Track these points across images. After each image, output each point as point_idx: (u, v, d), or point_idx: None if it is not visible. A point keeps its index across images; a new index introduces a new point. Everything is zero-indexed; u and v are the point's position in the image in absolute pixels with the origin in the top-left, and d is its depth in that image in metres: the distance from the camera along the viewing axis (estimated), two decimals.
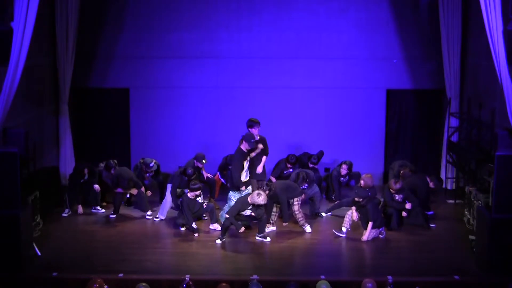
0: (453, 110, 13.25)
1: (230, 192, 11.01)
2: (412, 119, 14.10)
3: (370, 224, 10.42)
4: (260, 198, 10.15)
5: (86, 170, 11.75)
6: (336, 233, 10.65)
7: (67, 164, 13.35)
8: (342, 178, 12.54)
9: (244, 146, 10.75)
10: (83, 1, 13.04)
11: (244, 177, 10.86)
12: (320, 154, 12.89)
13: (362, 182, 11.17)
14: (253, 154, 11.04)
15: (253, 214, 10.35)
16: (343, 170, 12.45)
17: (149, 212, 11.70)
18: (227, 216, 10.33)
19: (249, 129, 11.01)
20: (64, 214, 11.73)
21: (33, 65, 11.19)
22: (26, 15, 9.19)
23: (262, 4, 13.65)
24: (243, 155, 10.81)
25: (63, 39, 12.90)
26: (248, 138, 10.71)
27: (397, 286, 8.62)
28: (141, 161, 12.25)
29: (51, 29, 12.90)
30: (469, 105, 12.95)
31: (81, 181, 11.77)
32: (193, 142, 12.11)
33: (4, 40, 9.13)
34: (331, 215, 11.80)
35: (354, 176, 12.58)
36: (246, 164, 10.84)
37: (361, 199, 10.47)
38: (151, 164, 12.07)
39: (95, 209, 11.91)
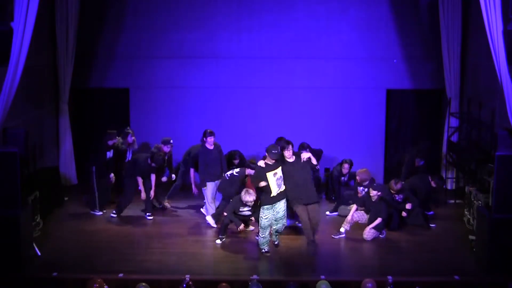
0: (453, 110, 13.25)
1: (263, 206, 9.99)
2: (412, 119, 14.11)
3: (378, 220, 10.42)
4: (248, 196, 9.93)
5: (116, 140, 11.71)
6: (335, 237, 10.62)
7: (67, 164, 13.37)
8: (343, 178, 12.49)
9: (268, 160, 9.82)
10: (83, 1, 13.06)
11: (277, 189, 9.81)
12: (319, 152, 12.79)
13: (358, 177, 11.13)
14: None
15: (252, 218, 10.30)
16: (345, 169, 12.38)
17: (149, 213, 11.70)
18: (225, 213, 10.31)
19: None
20: (98, 213, 11.72)
21: (33, 65, 11.19)
22: (26, 15, 9.18)
23: (263, 5, 13.66)
24: (267, 167, 9.81)
25: (63, 39, 12.92)
26: (269, 150, 9.84)
27: (397, 286, 8.62)
28: (157, 145, 12.03)
29: (51, 29, 12.91)
30: (469, 105, 12.95)
31: (107, 157, 11.65)
32: (193, 142, 12.09)
33: (4, 40, 9.13)
34: (336, 215, 11.76)
35: (353, 175, 12.55)
36: (273, 176, 9.73)
37: (379, 192, 10.48)
38: (171, 141, 11.91)
39: (93, 211, 11.85)
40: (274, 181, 9.70)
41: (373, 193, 10.57)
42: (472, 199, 10.94)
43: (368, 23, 13.66)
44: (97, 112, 13.97)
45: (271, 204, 9.78)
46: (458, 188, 12.80)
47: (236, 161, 11.98)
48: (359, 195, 11.33)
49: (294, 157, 9.82)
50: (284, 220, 9.95)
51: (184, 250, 10.10)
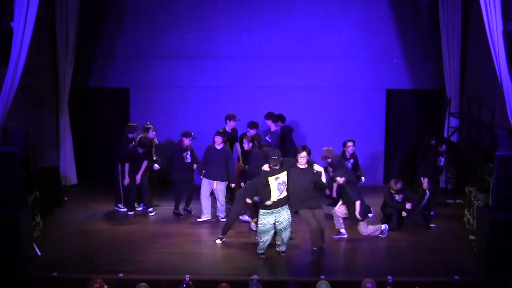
0: (453, 110, 13.25)
1: (260, 210, 9.82)
2: (412, 119, 14.12)
3: (357, 203, 10.27)
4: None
5: (136, 133, 11.62)
6: (335, 237, 10.60)
7: (67, 164, 13.38)
8: (347, 163, 11.67)
9: (267, 166, 9.57)
10: (83, 1, 13.06)
11: (277, 194, 9.45)
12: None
13: (321, 155, 11.05)
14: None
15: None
16: (349, 147, 11.69)
17: (150, 209, 11.71)
18: (249, 201, 10.01)
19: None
20: (122, 209, 11.77)
21: (33, 65, 11.18)
22: (26, 15, 9.19)
23: (262, 5, 13.67)
24: (271, 171, 9.53)
25: (63, 39, 12.93)
26: (269, 155, 9.58)
27: (397, 286, 8.62)
28: (180, 140, 11.76)
29: (51, 29, 12.91)
30: (469, 105, 12.95)
31: (130, 150, 11.52)
32: (193, 142, 12.10)
33: (4, 40, 9.13)
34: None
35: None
36: (275, 181, 9.44)
37: (342, 178, 10.35)
38: (192, 134, 11.62)
39: (116, 206, 11.83)
40: (276, 185, 9.43)
41: (339, 180, 10.46)
42: (472, 199, 10.94)
43: (368, 23, 13.66)
44: (97, 112, 13.97)
45: (269, 209, 9.50)
46: (458, 188, 12.80)
47: (252, 131, 11.83)
48: (330, 174, 10.92)
49: (306, 165, 9.54)
50: (289, 230, 9.70)
51: (184, 250, 10.10)
